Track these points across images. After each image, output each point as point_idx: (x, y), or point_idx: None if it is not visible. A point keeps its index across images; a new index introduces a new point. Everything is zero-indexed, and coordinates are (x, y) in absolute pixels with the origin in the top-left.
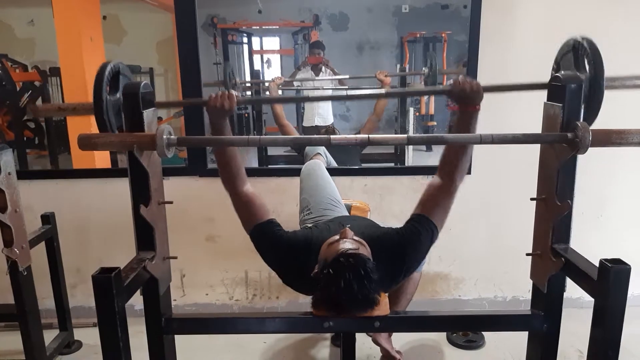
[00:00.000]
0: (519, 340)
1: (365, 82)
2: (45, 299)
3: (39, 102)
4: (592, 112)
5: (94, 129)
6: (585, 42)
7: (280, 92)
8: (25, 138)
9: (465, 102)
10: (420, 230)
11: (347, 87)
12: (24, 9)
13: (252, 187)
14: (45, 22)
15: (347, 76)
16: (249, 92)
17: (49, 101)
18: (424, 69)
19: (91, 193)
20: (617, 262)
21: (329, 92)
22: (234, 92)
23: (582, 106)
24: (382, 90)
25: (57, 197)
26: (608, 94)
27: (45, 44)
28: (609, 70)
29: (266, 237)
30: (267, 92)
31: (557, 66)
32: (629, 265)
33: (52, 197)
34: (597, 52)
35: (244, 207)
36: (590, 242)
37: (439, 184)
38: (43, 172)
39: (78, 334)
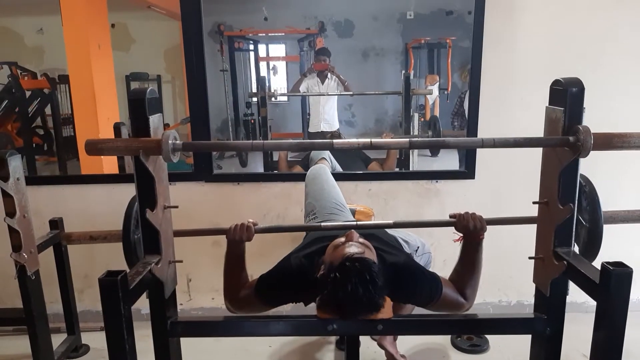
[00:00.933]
0: (523, 344)
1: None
2: (53, 304)
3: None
4: (593, 252)
5: (102, 135)
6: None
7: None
8: (34, 145)
9: (470, 234)
10: (435, 296)
11: (352, 93)
12: (34, 18)
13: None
14: (54, 30)
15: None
16: (255, 99)
17: (57, 109)
18: (428, 131)
19: (99, 198)
20: (619, 265)
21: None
22: (251, 223)
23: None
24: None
25: (65, 203)
26: (608, 96)
27: (54, 52)
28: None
29: (267, 283)
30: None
31: None
32: (631, 268)
33: (60, 203)
34: (593, 193)
35: (243, 298)
36: None
37: (455, 291)
38: (51, 178)
39: (85, 338)
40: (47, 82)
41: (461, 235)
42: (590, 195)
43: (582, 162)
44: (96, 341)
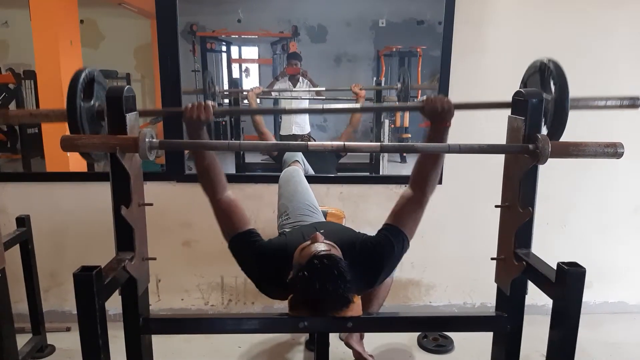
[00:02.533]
0: (486, 344)
1: (341, 94)
2: (18, 303)
3: (12, 106)
4: (557, 132)
5: (69, 132)
6: (551, 64)
7: (258, 100)
8: None
9: (437, 119)
10: (393, 242)
11: (324, 97)
12: None
13: (232, 194)
14: (20, 23)
15: (324, 88)
16: (227, 100)
17: (23, 105)
18: (397, 83)
19: (67, 197)
20: (574, 265)
21: (306, 103)
22: (210, 103)
23: (546, 124)
24: (357, 105)
25: (31, 200)
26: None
27: (20, 46)
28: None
29: (245, 246)
30: (246, 102)
31: (524, 86)
32: (584, 268)
33: (27, 200)
34: (562, 74)
35: (225, 214)
36: (555, 250)
37: (411, 196)
38: (18, 175)
39: (51, 338)
40: (13, 77)
41: (428, 121)
42: (557, 73)
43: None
44: (62, 341)
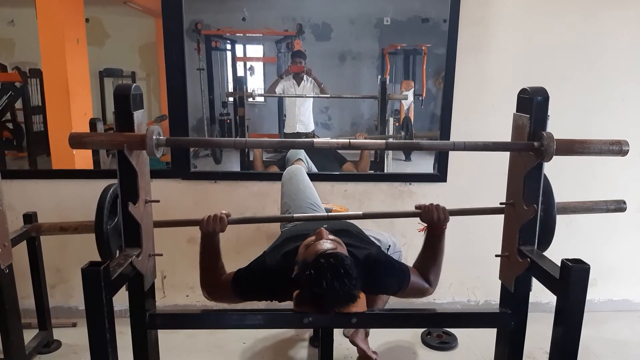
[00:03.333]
0: (489, 341)
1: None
2: (24, 299)
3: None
4: (546, 240)
5: (75, 129)
6: None
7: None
8: (4, 139)
9: (433, 224)
10: (403, 284)
11: (328, 95)
12: (4, 9)
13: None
14: (26, 22)
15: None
16: (231, 99)
17: (29, 103)
18: (401, 132)
19: (73, 194)
20: (578, 262)
21: (310, 101)
22: (224, 214)
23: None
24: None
25: (38, 197)
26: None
27: (25, 45)
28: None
29: (245, 281)
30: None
31: None
32: (588, 265)
33: (33, 197)
34: (547, 185)
35: (219, 289)
36: (559, 249)
37: (422, 286)
38: (25, 172)
39: (57, 334)
40: (19, 76)
41: (425, 225)
42: (543, 184)
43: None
44: (68, 337)
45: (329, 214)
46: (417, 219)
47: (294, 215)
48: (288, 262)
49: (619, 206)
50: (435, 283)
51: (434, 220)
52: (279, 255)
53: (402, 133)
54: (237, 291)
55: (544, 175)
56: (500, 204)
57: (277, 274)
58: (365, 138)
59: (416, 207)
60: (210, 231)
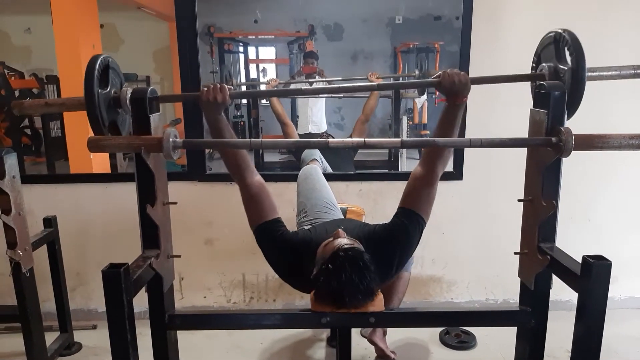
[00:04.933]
0: (509, 340)
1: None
2: (45, 302)
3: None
4: (574, 103)
5: (92, 134)
6: (566, 34)
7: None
8: (22, 144)
9: (453, 94)
10: (407, 223)
11: (341, 96)
12: (21, 17)
13: (261, 178)
14: (42, 30)
15: (340, 78)
16: (244, 100)
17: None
18: (415, 70)
19: (91, 197)
20: (599, 258)
21: (323, 102)
22: (225, 85)
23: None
24: (374, 82)
25: (57, 202)
26: (593, 98)
27: (42, 51)
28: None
29: (270, 235)
30: (264, 101)
31: (538, 58)
32: (610, 261)
33: (52, 202)
34: (578, 43)
35: (254, 200)
36: (578, 245)
37: (421, 174)
38: (44, 177)
39: (78, 336)
40: (36, 82)
41: (444, 97)
42: (574, 43)
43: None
44: (88, 339)
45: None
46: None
47: (302, 88)
48: (309, 249)
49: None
50: (442, 167)
51: (455, 87)
52: (309, 237)
53: (417, 72)
54: (259, 234)
55: (572, 33)
56: (519, 200)
57: (301, 251)
58: (377, 77)
59: (434, 76)
60: (212, 101)
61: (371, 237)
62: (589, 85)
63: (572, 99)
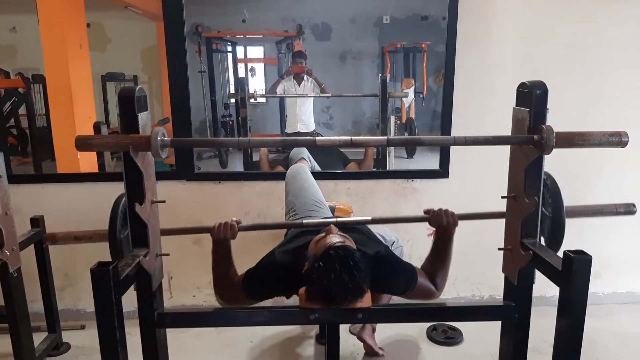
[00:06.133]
0: (495, 335)
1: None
2: (33, 302)
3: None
4: (557, 242)
5: (79, 133)
6: (547, 180)
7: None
8: (8, 144)
9: (442, 229)
10: (410, 284)
11: (329, 95)
12: (6, 16)
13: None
14: (28, 29)
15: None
16: (232, 100)
17: (32, 109)
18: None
19: (79, 197)
20: (580, 253)
21: (311, 100)
22: (235, 221)
23: (545, 237)
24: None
25: (44, 201)
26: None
27: (28, 51)
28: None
29: (255, 279)
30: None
31: None
32: (590, 256)
33: (40, 201)
34: (556, 189)
35: (232, 292)
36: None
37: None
38: (31, 176)
39: (66, 336)
40: (22, 82)
41: (434, 229)
42: (552, 188)
43: (547, 158)
44: (77, 339)
45: (338, 219)
46: (422, 216)
47: (304, 222)
48: (299, 256)
49: (628, 209)
50: (442, 286)
51: (443, 225)
52: (290, 250)
53: (406, 133)
54: (247, 290)
55: (553, 178)
56: (502, 197)
57: (288, 269)
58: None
59: (425, 212)
60: (222, 238)
61: (377, 257)
62: (574, 87)
63: (554, 239)
